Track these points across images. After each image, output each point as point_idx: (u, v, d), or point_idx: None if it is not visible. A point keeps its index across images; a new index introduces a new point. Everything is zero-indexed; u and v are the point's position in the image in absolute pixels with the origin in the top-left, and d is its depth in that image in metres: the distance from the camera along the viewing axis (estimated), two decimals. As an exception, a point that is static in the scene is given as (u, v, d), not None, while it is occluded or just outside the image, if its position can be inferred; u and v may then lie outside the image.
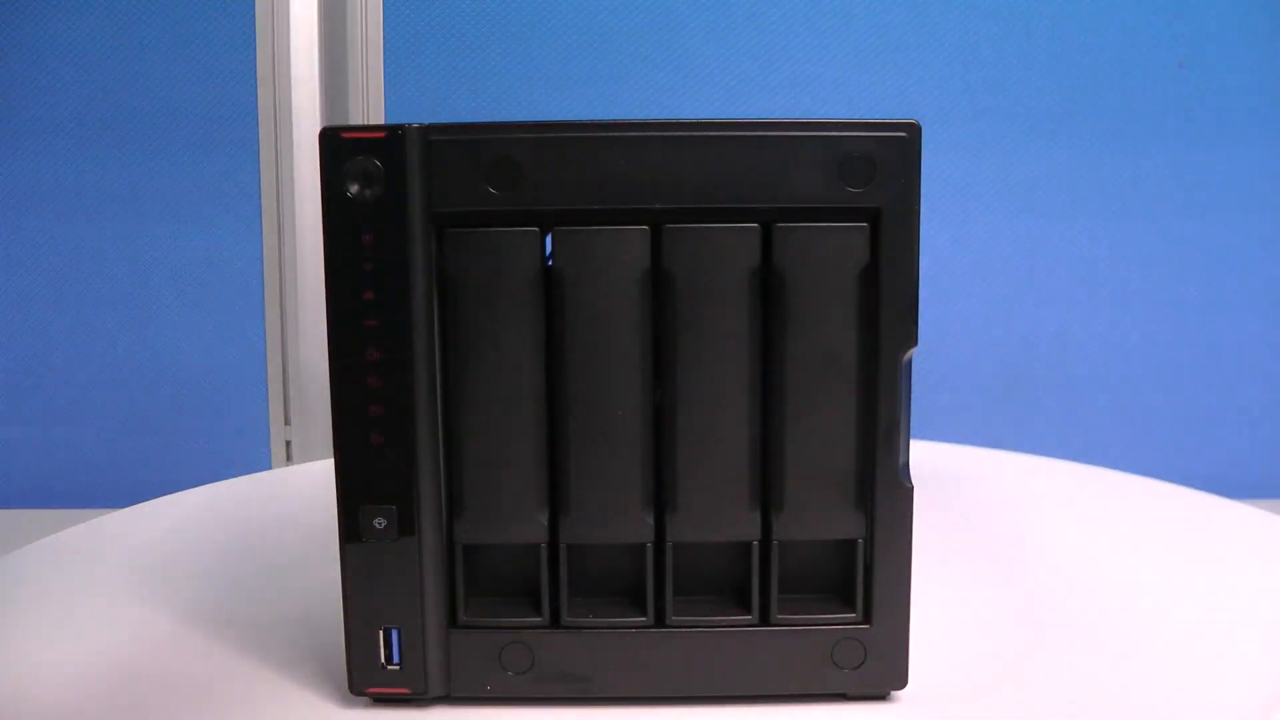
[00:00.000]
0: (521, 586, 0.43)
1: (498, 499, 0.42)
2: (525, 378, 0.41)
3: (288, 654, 0.48)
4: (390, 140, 0.39)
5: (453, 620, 0.43)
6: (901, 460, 0.42)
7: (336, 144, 0.40)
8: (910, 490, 0.42)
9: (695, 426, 0.41)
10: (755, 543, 0.42)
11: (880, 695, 0.43)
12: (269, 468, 1.18)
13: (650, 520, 0.42)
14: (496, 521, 0.42)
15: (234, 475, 0.79)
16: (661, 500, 0.42)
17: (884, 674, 0.43)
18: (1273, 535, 0.63)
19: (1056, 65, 1.04)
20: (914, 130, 0.40)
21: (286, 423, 1.21)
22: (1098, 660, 0.47)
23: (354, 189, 0.40)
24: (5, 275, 1.05)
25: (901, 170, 0.40)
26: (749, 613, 0.43)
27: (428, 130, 0.40)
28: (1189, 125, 1.05)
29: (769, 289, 0.41)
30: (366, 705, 0.43)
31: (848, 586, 0.43)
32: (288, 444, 1.24)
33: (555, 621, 0.43)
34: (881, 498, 0.42)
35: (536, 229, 0.41)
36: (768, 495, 0.42)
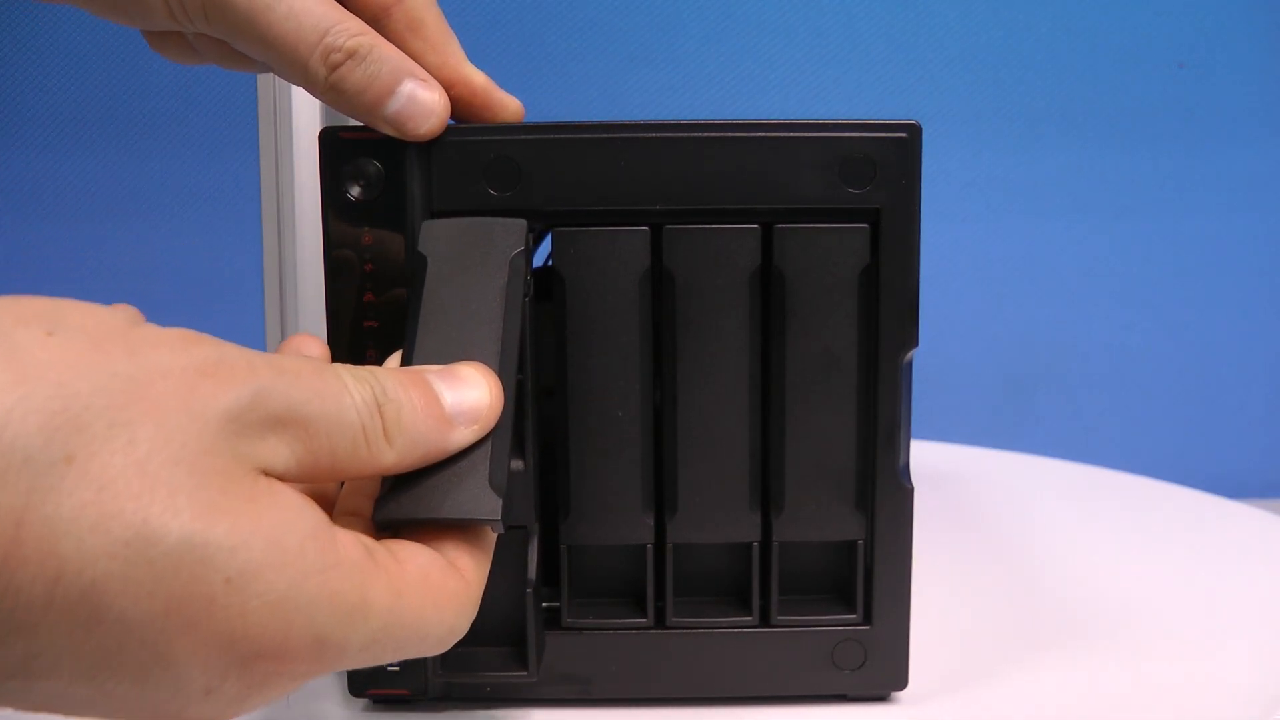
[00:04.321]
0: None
1: (498, 500, 0.42)
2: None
3: (287, 655, 0.48)
4: (390, 140, 0.39)
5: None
6: (902, 461, 0.42)
7: (336, 144, 0.40)
8: (910, 491, 0.42)
9: (695, 427, 0.41)
10: (755, 544, 0.42)
11: (880, 696, 0.43)
12: (269, 468, 1.17)
13: (650, 521, 0.42)
14: (496, 522, 0.42)
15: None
16: (662, 501, 0.42)
17: (884, 675, 0.43)
18: (1273, 535, 0.63)
19: (1056, 65, 1.04)
20: (914, 130, 0.40)
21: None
22: (1098, 661, 0.47)
23: (354, 189, 0.40)
24: (5, 276, 1.05)
25: (901, 170, 0.40)
26: (749, 614, 0.43)
27: (427, 131, 0.40)
28: (1189, 125, 1.05)
29: (769, 289, 0.41)
30: (366, 706, 0.43)
31: (848, 588, 0.43)
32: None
33: (556, 623, 0.43)
34: (882, 499, 0.42)
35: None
36: (768, 496, 0.42)
